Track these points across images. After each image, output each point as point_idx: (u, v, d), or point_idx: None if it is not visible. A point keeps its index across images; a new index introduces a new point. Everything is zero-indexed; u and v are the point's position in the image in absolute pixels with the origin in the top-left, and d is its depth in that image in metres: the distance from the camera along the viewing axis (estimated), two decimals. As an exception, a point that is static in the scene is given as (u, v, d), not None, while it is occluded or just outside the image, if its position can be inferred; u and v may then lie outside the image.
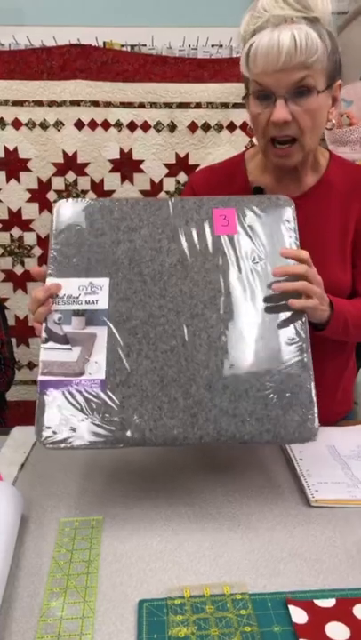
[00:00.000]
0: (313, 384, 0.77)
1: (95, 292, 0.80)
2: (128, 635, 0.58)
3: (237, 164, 1.06)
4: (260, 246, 0.82)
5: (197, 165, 1.73)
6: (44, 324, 0.78)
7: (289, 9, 0.83)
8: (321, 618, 0.58)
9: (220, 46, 1.77)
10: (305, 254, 0.80)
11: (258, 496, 0.81)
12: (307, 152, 0.94)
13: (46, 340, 0.78)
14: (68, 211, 0.85)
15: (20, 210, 1.76)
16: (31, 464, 0.91)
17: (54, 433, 0.74)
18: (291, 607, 0.59)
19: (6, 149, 1.71)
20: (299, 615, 0.58)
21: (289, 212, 0.85)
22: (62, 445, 0.74)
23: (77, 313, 0.79)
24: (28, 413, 1.97)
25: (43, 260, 1.77)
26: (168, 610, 0.60)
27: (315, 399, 0.76)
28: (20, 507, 0.74)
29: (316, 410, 0.76)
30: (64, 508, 0.79)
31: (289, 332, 0.79)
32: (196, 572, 0.67)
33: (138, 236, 0.83)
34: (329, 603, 0.60)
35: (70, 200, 0.86)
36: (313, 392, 0.76)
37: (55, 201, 1.72)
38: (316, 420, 0.75)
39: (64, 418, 0.75)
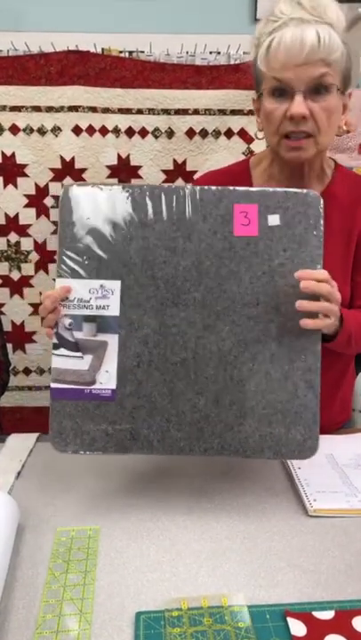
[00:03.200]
0: (318, 404, 0.77)
1: (106, 296, 0.77)
2: (125, 648, 0.57)
3: (242, 171, 1.06)
4: (281, 252, 0.77)
5: (195, 172, 1.72)
6: (54, 330, 0.77)
7: (307, 14, 0.84)
8: (320, 630, 0.58)
9: (218, 53, 1.77)
10: (324, 274, 0.75)
11: (256, 505, 0.81)
12: (319, 150, 0.93)
13: (57, 347, 0.77)
14: (77, 199, 0.78)
15: (17, 215, 1.75)
16: (28, 472, 0.90)
17: (66, 440, 0.76)
18: (289, 620, 0.59)
19: (3, 155, 1.70)
20: (297, 628, 0.58)
21: (316, 212, 0.77)
22: (70, 452, 0.77)
23: (88, 319, 0.77)
24: (25, 419, 1.96)
25: (40, 265, 1.77)
26: (165, 622, 0.59)
27: (318, 419, 0.77)
28: (15, 516, 0.73)
29: (318, 429, 0.77)
30: (61, 518, 0.78)
31: (300, 349, 0.76)
32: (193, 582, 0.66)
33: (151, 232, 0.77)
34: (328, 615, 0.60)
35: (79, 186, 0.79)
36: (317, 412, 0.77)
37: (53, 207, 1.71)
38: (318, 439, 0.77)
39: (75, 426, 0.76)
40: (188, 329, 0.77)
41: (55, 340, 0.77)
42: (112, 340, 0.77)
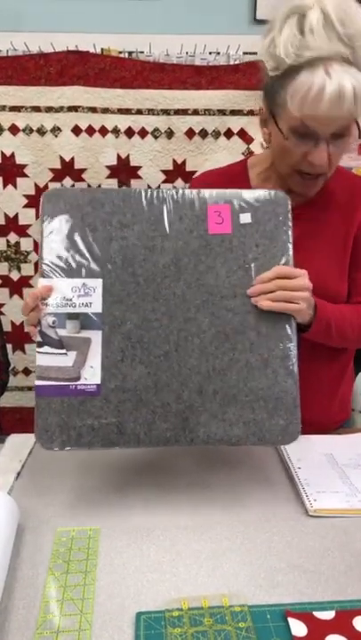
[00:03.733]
0: (298, 389, 0.79)
1: (88, 293, 0.79)
2: (125, 648, 0.57)
3: (240, 171, 1.06)
4: (254, 247, 0.81)
5: (194, 172, 1.72)
6: (38, 328, 0.78)
7: (342, 46, 0.81)
8: (321, 630, 0.58)
9: (218, 53, 1.77)
10: (273, 272, 0.79)
11: (256, 505, 0.81)
12: (326, 181, 0.97)
13: (41, 345, 0.78)
14: (57, 202, 0.81)
15: (16, 215, 1.75)
16: (27, 473, 0.90)
17: (52, 436, 0.76)
18: (290, 620, 0.59)
19: (3, 155, 1.70)
20: (298, 628, 0.58)
21: (284, 210, 0.82)
22: (56, 448, 0.77)
23: (72, 316, 0.78)
24: (25, 420, 1.96)
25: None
26: (166, 622, 0.59)
27: (298, 404, 0.79)
28: (15, 516, 0.73)
29: (299, 414, 0.79)
30: (61, 518, 0.78)
31: (278, 337, 0.80)
32: (194, 583, 0.66)
33: (131, 232, 0.81)
34: (329, 615, 0.60)
35: (59, 189, 0.83)
36: (297, 397, 0.79)
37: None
38: (299, 423, 0.79)
39: (61, 422, 0.77)
40: (170, 323, 0.79)
41: (39, 339, 0.78)
42: (95, 337, 0.78)
